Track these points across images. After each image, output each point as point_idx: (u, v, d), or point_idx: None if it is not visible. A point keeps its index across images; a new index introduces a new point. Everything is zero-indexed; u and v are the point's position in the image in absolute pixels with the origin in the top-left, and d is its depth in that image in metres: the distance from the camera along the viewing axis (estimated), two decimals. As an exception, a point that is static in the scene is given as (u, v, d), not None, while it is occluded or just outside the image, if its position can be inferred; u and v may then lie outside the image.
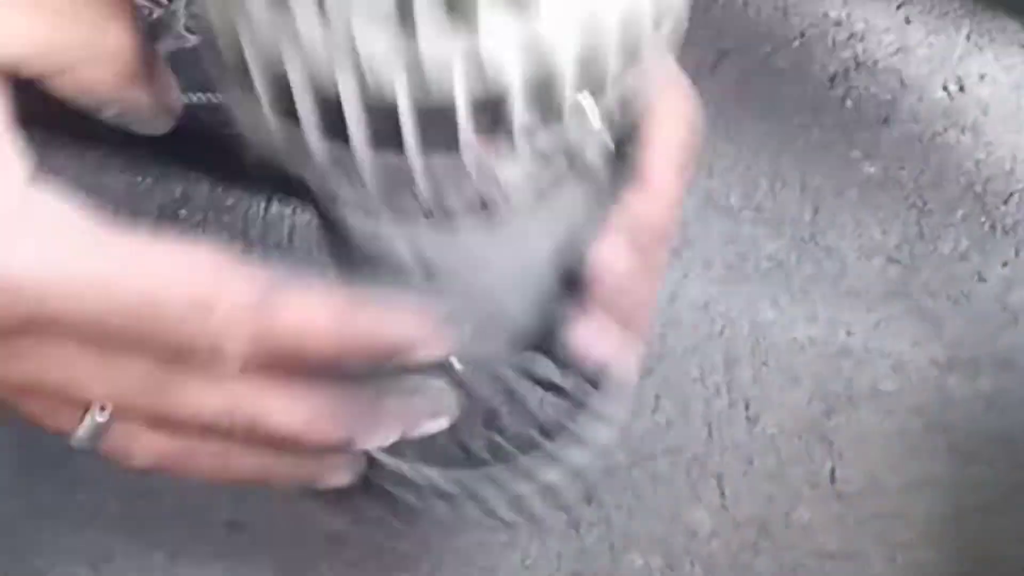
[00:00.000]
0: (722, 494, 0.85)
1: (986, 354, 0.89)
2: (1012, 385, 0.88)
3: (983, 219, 0.94)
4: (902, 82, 1.00)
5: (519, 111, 0.39)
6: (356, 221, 0.48)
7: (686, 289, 0.92)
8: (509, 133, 0.41)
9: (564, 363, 0.59)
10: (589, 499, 0.86)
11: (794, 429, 0.87)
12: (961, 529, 0.83)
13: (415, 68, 0.36)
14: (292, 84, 0.39)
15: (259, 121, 0.42)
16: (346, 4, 0.35)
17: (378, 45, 0.36)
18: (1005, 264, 0.92)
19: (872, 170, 0.97)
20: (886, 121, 0.98)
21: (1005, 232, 0.93)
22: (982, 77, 1.00)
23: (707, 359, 0.90)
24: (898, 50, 1.02)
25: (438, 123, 0.39)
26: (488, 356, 0.57)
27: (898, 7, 1.04)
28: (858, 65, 1.01)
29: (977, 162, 0.96)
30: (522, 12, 0.36)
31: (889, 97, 0.99)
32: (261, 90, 0.41)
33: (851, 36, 1.02)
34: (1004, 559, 0.82)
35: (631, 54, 0.42)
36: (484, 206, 0.45)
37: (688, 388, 0.89)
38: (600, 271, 0.49)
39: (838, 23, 1.03)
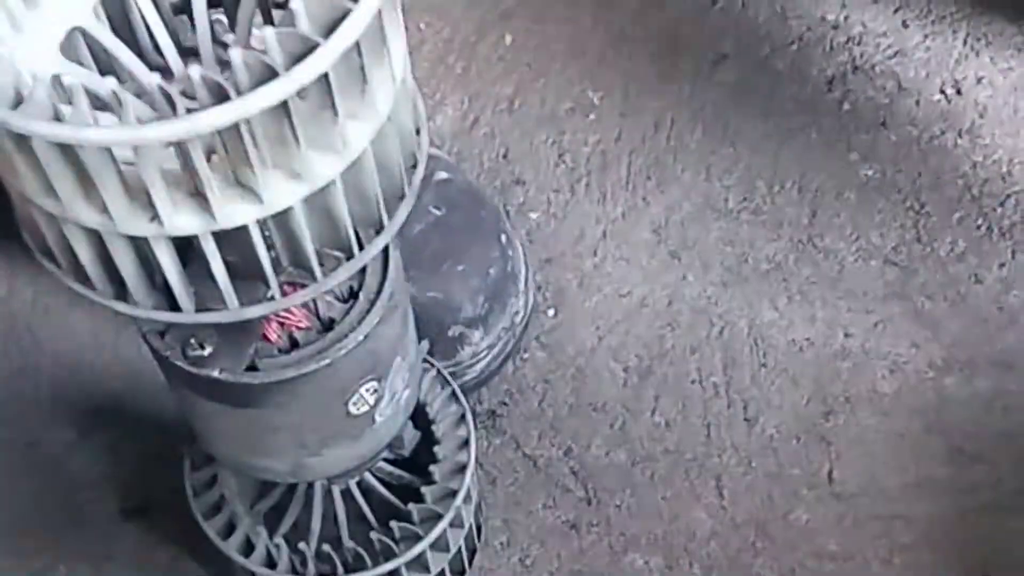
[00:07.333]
0: (721, 495, 0.85)
1: (984, 355, 0.89)
2: (1010, 386, 0.88)
3: (980, 221, 0.94)
4: (899, 85, 1.00)
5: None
6: None
7: (685, 290, 0.93)
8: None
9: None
10: (589, 499, 0.86)
11: (793, 430, 0.87)
12: (960, 530, 0.83)
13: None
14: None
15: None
16: None
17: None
18: (1002, 266, 0.93)
19: (870, 172, 0.97)
20: (884, 124, 0.99)
21: (1002, 234, 0.94)
22: (979, 80, 1.00)
23: (706, 360, 0.90)
24: (895, 53, 1.02)
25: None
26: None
27: (895, 11, 1.04)
28: (856, 68, 1.01)
29: (974, 165, 0.97)
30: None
31: (886, 100, 1.00)
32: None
33: (849, 39, 1.03)
34: (1004, 560, 0.82)
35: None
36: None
37: (687, 389, 0.89)
38: None
39: (836, 26, 1.03)
